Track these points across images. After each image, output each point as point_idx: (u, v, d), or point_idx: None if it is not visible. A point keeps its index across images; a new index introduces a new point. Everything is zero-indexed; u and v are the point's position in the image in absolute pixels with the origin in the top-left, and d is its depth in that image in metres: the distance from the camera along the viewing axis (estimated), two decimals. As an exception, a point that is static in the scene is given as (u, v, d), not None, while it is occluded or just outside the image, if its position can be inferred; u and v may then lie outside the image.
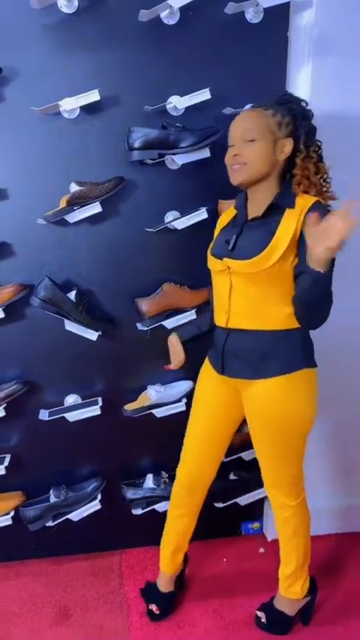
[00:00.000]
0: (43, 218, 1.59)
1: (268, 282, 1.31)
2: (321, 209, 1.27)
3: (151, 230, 1.67)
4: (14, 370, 1.75)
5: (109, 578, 1.86)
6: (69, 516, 1.81)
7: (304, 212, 1.27)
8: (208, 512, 1.68)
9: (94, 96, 1.54)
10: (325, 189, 1.36)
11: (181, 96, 1.61)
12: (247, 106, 1.58)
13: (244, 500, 1.94)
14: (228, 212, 1.51)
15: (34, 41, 1.55)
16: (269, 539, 2.05)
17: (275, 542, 2.01)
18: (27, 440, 1.82)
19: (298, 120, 1.33)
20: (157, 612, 1.66)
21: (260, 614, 1.64)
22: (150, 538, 1.73)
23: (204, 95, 1.59)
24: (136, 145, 1.58)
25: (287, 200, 1.32)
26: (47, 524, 1.80)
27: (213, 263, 1.42)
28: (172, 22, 1.59)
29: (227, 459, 1.83)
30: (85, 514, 1.83)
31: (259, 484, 1.93)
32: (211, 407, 1.54)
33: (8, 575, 1.87)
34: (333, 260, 1.20)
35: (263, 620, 1.62)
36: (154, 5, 1.53)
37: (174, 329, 1.69)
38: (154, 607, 1.67)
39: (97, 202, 1.60)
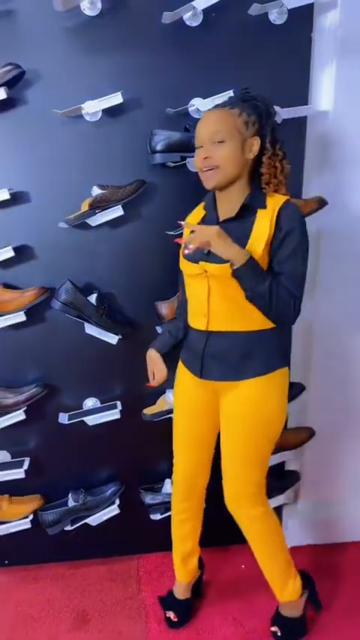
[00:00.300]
0: (65, 221, 1.59)
1: None
2: (292, 208, 1.30)
3: (172, 233, 1.66)
4: (34, 373, 1.75)
5: (126, 584, 1.85)
6: (87, 520, 1.81)
7: (276, 212, 1.29)
8: (226, 518, 1.66)
9: (117, 99, 1.53)
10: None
11: (204, 98, 1.60)
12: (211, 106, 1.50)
13: (263, 506, 1.91)
14: (195, 213, 1.47)
15: (56, 44, 1.55)
16: (289, 547, 2.01)
17: (295, 549, 2.00)
18: (46, 443, 1.81)
19: (263, 118, 1.31)
20: (175, 620, 1.65)
21: (274, 629, 1.60)
22: (168, 543, 1.71)
23: (227, 97, 1.58)
24: (159, 147, 1.57)
25: (258, 200, 1.32)
26: (66, 528, 1.79)
27: (187, 267, 1.39)
28: (195, 23, 1.58)
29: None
30: (104, 518, 1.82)
31: (279, 490, 1.93)
32: (192, 411, 1.51)
33: (27, 579, 1.87)
34: (250, 261, 1.24)
35: (279, 633, 1.58)
36: (177, 7, 1.52)
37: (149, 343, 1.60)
38: (171, 614, 1.66)
39: (119, 205, 1.60)
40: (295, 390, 1.85)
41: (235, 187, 1.34)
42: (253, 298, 1.28)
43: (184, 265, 1.41)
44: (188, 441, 1.55)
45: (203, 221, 1.41)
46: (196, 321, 1.41)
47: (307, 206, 1.70)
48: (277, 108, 1.64)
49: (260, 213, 1.30)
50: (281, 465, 1.96)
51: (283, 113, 1.65)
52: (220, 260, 1.28)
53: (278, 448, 1.87)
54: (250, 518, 1.50)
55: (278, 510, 2.01)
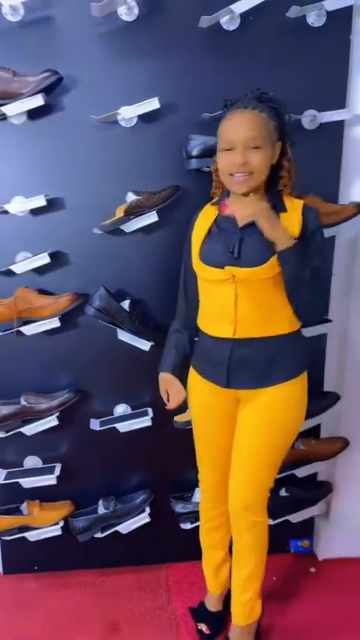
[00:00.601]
0: (100, 227, 1.58)
1: (273, 287, 1.30)
2: (313, 210, 1.32)
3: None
4: (66, 379, 1.75)
5: (156, 593, 1.82)
6: (117, 528, 1.79)
7: (301, 212, 1.30)
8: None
9: (153, 104, 1.52)
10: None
11: (241, 103, 1.57)
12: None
13: (295, 517, 1.88)
14: (205, 215, 1.42)
15: (93, 50, 1.55)
16: (320, 559, 1.98)
17: (327, 562, 1.97)
18: (77, 449, 1.81)
19: (284, 122, 1.30)
20: (208, 632, 1.62)
21: None
22: (197, 553, 1.69)
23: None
24: (195, 152, 1.56)
25: (279, 204, 1.32)
26: (96, 536, 1.78)
27: (210, 272, 1.33)
28: (232, 27, 1.56)
29: (279, 476, 1.77)
30: (134, 527, 1.80)
31: (312, 501, 1.89)
32: (214, 422, 1.48)
33: (56, 586, 1.86)
34: (297, 247, 1.24)
35: None
36: (214, 11, 1.50)
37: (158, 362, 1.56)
38: (203, 627, 1.63)
39: (154, 212, 1.58)
40: (329, 400, 1.81)
41: (255, 192, 1.32)
42: (293, 286, 1.26)
43: (205, 270, 1.35)
44: (213, 451, 1.53)
45: (218, 226, 1.38)
46: (219, 328, 1.37)
47: (343, 212, 1.67)
48: (314, 112, 1.63)
49: (283, 216, 1.29)
50: (313, 475, 1.91)
51: (320, 117, 1.62)
52: (250, 263, 1.27)
53: (310, 458, 1.85)
54: (254, 525, 1.46)
55: (310, 522, 1.98)
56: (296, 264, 1.25)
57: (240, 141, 1.24)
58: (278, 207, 1.31)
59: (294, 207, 1.31)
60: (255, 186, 1.29)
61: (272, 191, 1.33)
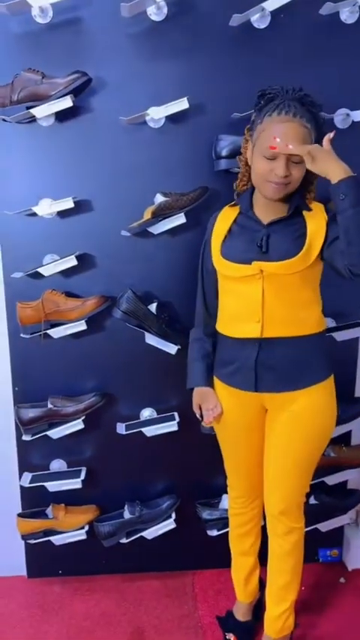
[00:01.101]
0: (128, 229, 1.57)
1: (301, 284, 1.29)
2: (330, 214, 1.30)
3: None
4: (92, 382, 1.74)
5: (182, 600, 1.80)
6: (143, 534, 1.77)
7: (324, 212, 1.30)
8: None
9: (182, 104, 1.50)
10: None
11: (272, 102, 1.54)
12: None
13: (324, 526, 1.83)
14: (224, 216, 1.40)
15: (121, 50, 1.54)
16: (350, 569, 1.93)
17: (357, 572, 1.91)
18: (102, 453, 1.79)
19: (321, 131, 1.26)
20: (236, 642, 1.59)
21: None
22: (224, 560, 1.66)
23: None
24: (224, 153, 1.53)
25: (303, 203, 1.32)
26: (121, 541, 1.76)
27: (234, 269, 1.31)
28: (262, 25, 1.54)
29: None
30: (160, 532, 1.78)
31: (341, 510, 1.84)
32: (242, 431, 1.44)
33: (80, 590, 1.85)
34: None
35: None
36: (245, 9, 1.48)
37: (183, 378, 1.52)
38: (232, 637, 1.60)
39: (182, 213, 1.56)
40: (360, 406, 1.76)
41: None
42: (352, 224, 1.15)
43: (229, 267, 1.32)
44: (241, 460, 1.49)
45: (241, 224, 1.36)
46: (244, 329, 1.32)
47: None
48: (346, 110, 1.59)
49: (307, 214, 1.30)
50: (344, 484, 1.87)
51: (353, 116, 1.59)
52: (279, 257, 1.25)
53: (341, 466, 1.80)
54: (291, 531, 1.43)
55: (340, 531, 1.93)
56: (356, 199, 1.15)
57: (286, 153, 1.21)
58: (303, 206, 1.31)
59: (318, 207, 1.32)
60: (288, 194, 1.28)
61: (297, 193, 1.31)
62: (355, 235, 1.15)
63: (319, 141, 1.24)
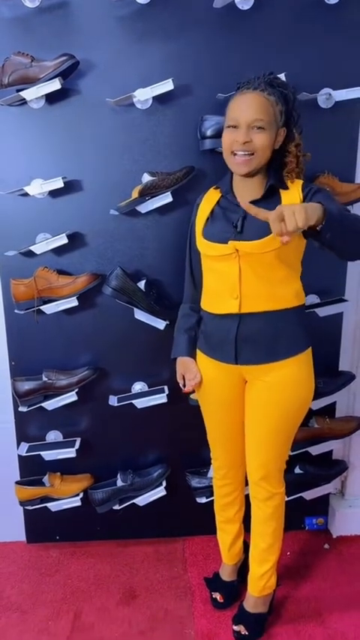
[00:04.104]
0: (116, 209, 1.62)
1: (277, 262, 1.31)
2: (314, 188, 1.32)
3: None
4: (85, 357, 1.81)
5: (172, 564, 1.89)
6: (135, 501, 1.86)
7: (301, 187, 1.32)
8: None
9: (168, 85, 1.54)
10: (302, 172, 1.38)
11: (255, 82, 1.58)
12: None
13: (309, 494, 1.90)
14: (208, 198, 1.45)
15: (109, 33, 1.58)
16: (334, 536, 2.01)
17: (341, 539, 1.99)
18: (96, 424, 1.87)
19: (292, 108, 1.31)
20: (221, 601, 1.67)
21: (238, 627, 1.55)
22: (213, 527, 1.74)
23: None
24: (209, 133, 1.58)
25: (280, 183, 1.34)
26: (114, 507, 1.85)
27: (213, 248, 1.36)
28: (246, 6, 1.57)
29: (293, 453, 1.80)
30: (151, 499, 1.86)
31: (326, 479, 1.92)
32: (224, 402, 1.50)
33: (76, 554, 1.95)
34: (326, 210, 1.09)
35: (244, 632, 1.54)
36: (229, -9, 1.51)
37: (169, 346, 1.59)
38: (218, 595, 1.68)
39: (169, 192, 1.61)
40: (344, 379, 1.82)
41: (258, 174, 1.34)
42: (342, 245, 1.16)
43: (208, 247, 1.37)
44: (223, 429, 1.55)
45: (222, 205, 1.40)
46: (224, 305, 1.38)
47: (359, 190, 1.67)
48: (329, 90, 1.62)
49: (284, 193, 1.32)
50: (328, 454, 1.94)
51: (337, 95, 1.62)
52: (252, 237, 1.29)
53: (325, 437, 1.87)
54: (272, 496, 1.50)
55: (325, 500, 2.00)
56: (339, 219, 1.12)
57: (245, 120, 1.26)
58: (280, 186, 1.33)
59: (294, 185, 1.34)
60: (256, 169, 1.31)
61: (273, 173, 1.34)
62: (348, 247, 1.18)
63: (289, 117, 1.29)
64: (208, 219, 1.41)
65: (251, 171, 1.30)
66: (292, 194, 1.32)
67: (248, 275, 1.33)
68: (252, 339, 1.38)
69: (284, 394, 1.40)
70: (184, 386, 1.56)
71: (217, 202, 1.42)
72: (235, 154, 1.29)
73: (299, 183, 1.34)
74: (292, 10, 1.58)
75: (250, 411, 1.47)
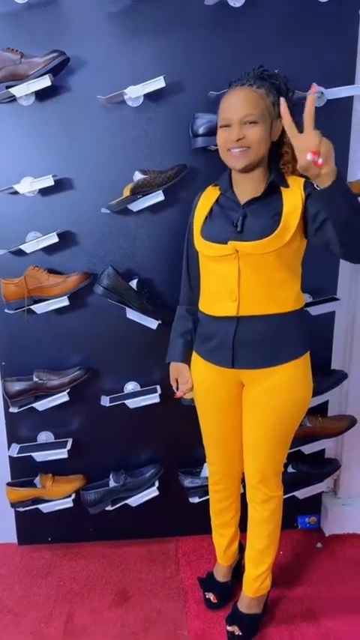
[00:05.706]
0: (107, 207, 1.61)
1: (277, 263, 1.29)
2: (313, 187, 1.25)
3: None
4: (77, 356, 1.79)
5: (165, 565, 1.88)
6: (127, 501, 1.84)
7: (302, 185, 1.29)
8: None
9: (159, 83, 1.53)
10: None
11: (247, 80, 1.57)
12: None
13: (302, 493, 1.90)
14: (207, 196, 1.42)
15: (99, 30, 1.56)
16: (327, 535, 2.01)
17: (334, 537, 2.00)
18: (88, 425, 1.86)
19: (284, 96, 1.25)
20: (215, 601, 1.67)
21: (232, 628, 1.55)
22: (206, 526, 1.73)
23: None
24: (201, 131, 1.57)
25: (281, 180, 1.31)
26: (106, 508, 1.84)
27: (212, 248, 1.33)
28: (238, 4, 1.56)
29: (286, 452, 1.80)
30: (143, 500, 1.85)
31: (318, 478, 1.92)
32: (220, 406, 1.48)
33: (69, 556, 1.93)
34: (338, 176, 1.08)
35: (237, 632, 1.53)
36: (221, -13, 1.50)
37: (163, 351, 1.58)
38: (211, 596, 1.68)
39: (160, 191, 1.60)
40: (336, 378, 1.82)
41: (257, 169, 1.31)
42: (345, 226, 1.11)
43: (207, 247, 1.34)
44: (220, 434, 1.53)
45: (221, 204, 1.38)
46: (222, 307, 1.35)
47: (352, 188, 1.66)
48: (321, 88, 1.62)
49: (285, 191, 1.29)
50: (321, 453, 1.94)
51: (328, 94, 1.61)
52: (253, 237, 1.26)
53: (317, 436, 1.87)
54: (269, 499, 1.49)
55: (318, 499, 2.00)
56: (349, 194, 1.10)
57: (235, 117, 1.24)
58: (281, 183, 1.30)
59: (296, 183, 1.30)
60: (253, 162, 1.28)
61: (274, 168, 1.32)
62: (354, 234, 1.14)
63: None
64: (206, 218, 1.38)
65: (248, 165, 1.27)
66: (293, 192, 1.29)
67: (247, 277, 1.30)
68: (250, 343, 1.35)
69: (282, 398, 1.38)
70: (177, 389, 1.54)
71: (217, 200, 1.39)
72: (230, 151, 1.28)
73: (301, 181, 1.30)
74: (284, 8, 1.57)
75: (247, 415, 1.45)
